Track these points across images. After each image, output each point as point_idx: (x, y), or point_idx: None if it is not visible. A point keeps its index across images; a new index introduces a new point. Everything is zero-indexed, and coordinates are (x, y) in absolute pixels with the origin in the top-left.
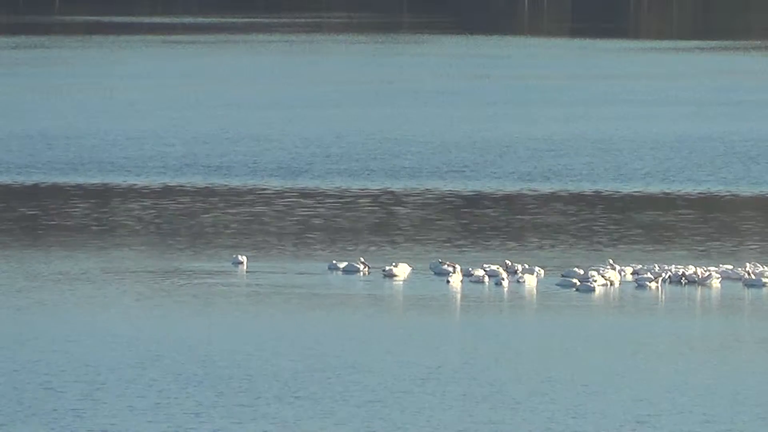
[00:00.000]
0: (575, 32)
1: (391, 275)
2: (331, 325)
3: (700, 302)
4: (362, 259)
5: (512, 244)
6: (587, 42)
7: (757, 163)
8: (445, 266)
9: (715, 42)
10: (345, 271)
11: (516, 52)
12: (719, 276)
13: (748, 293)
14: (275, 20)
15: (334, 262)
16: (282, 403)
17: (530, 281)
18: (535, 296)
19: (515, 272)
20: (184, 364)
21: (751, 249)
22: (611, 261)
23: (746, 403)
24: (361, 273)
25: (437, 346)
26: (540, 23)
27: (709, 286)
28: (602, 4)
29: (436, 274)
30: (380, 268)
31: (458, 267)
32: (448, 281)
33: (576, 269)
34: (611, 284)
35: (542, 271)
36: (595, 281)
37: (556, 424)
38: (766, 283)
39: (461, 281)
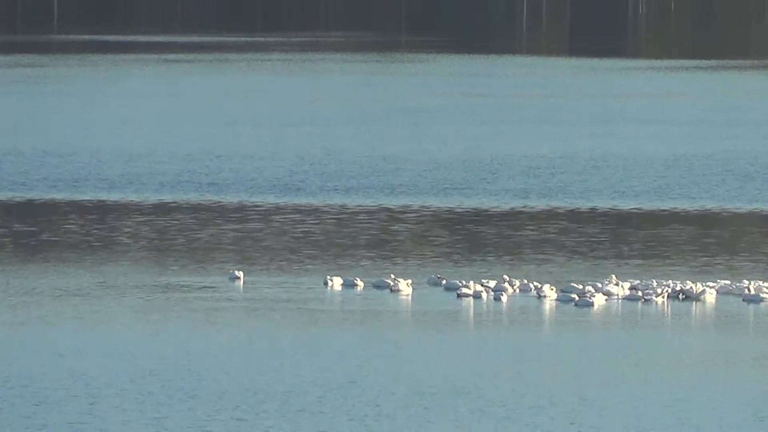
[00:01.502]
0: (573, 51)
1: (394, 290)
2: (329, 340)
3: (698, 317)
4: (393, 276)
5: (510, 259)
6: (585, 61)
7: (753, 180)
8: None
9: (713, 61)
10: (343, 285)
11: (514, 71)
12: (716, 291)
13: (747, 309)
14: (273, 39)
15: (328, 277)
16: (281, 418)
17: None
18: (534, 311)
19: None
20: (182, 378)
21: (748, 265)
22: (614, 276)
23: (747, 418)
24: (359, 288)
25: (437, 361)
26: (538, 42)
27: (707, 301)
28: (601, 23)
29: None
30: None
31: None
32: (458, 296)
33: (574, 284)
34: (610, 299)
35: (540, 286)
36: (594, 296)
37: None
38: (764, 298)
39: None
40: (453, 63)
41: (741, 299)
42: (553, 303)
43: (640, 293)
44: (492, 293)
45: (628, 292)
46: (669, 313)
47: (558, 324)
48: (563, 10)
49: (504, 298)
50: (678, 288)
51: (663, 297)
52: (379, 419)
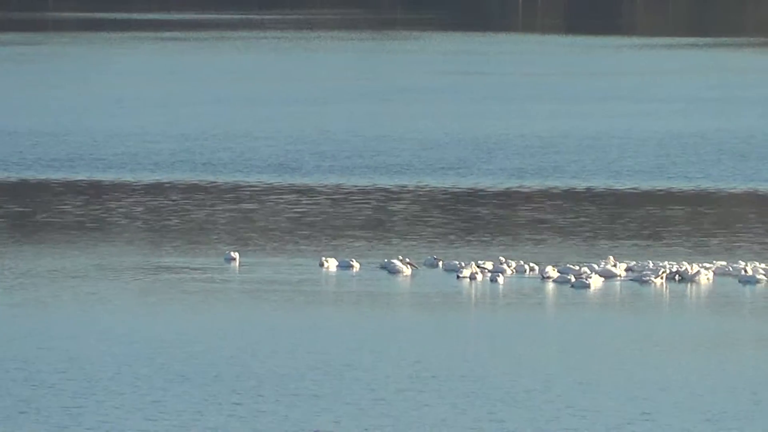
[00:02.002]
0: (569, 29)
1: (393, 271)
2: (326, 321)
3: (694, 299)
4: (401, 257)
5: (505, 240)
6: (581, 39)
7: (748, 159)
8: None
9: (709, 38)
10: (339, 266)
11: (509, 48)
12: (713, 272)
13: (743, 290)
14: (268, 17)
15: (323, 258)
16: (276, 401)
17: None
18: (530, 292)
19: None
20: (178, 360)
21: (745, 245)
22: (612, 258)
23: (743, 399)
24: (356, 268)
25: (434, 344)
26: (534, 20)
27: (702, 283)
28: (596, 1)
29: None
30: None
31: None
32: (458, 277)
33: (571, 265)
34: (607, 281)
35: (537, 267)
36: (591, 278)
37: (553, 420)
38: (760, 279)
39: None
40: (448, 41)
41: (737, 281)
42: (551, 284)
43: (637, 274)
44: (489, 274)
45: (624, 273)
46: (666, 295)
47: (555, 306)
48: None
49: (501, 279)
50: (675, 269)
51: (661, 278)
52: (375, 402)
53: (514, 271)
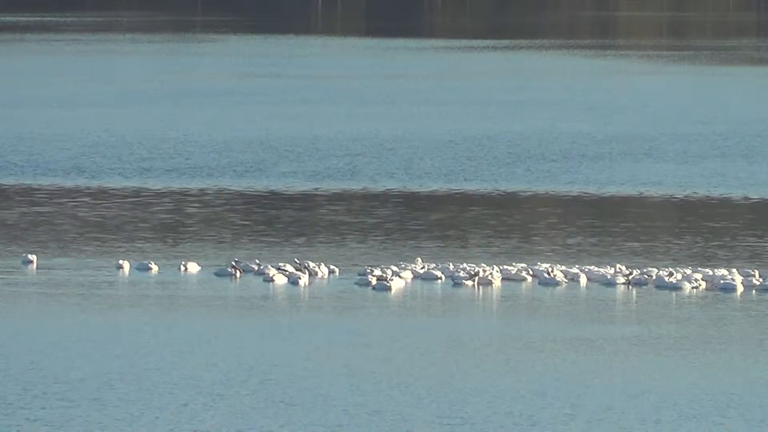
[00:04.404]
0: (369, 32)
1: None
2: (122, 324)
3: (490, 300)
4: (234, 262)
5: (304, 242)
6: (380, 41)
7: (546, 161)
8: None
9: (507, 41)
10: (136, 269)
11: (308, 51)
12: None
13: (543, 292)
14: (67, 19)
15: (120, 261)
16: (73, 402)
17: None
18: (332, 295)
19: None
20: None
21: (543, 247)
22: (419, 260)
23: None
24: (155, 271)
25: (235, 347)
26: (334, 23)
27: (495, 285)
28: (396, 4)
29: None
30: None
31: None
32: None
33: (371, 268)
34: (408, 283)
35: (337, 270)
36: (392, 280)
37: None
38: (560, 282)
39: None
40: (247, 43)
41: (538, 282)
42: (353, 286)
43: (441, 275)
44: (289, 277)
45: (423, 274)
46: (457, 297)
47: (357, 308)
48: None
49: (301, 282)
50: (475, 272)
51: (454, 280)
52: (182, 405)
53: (316, 273)
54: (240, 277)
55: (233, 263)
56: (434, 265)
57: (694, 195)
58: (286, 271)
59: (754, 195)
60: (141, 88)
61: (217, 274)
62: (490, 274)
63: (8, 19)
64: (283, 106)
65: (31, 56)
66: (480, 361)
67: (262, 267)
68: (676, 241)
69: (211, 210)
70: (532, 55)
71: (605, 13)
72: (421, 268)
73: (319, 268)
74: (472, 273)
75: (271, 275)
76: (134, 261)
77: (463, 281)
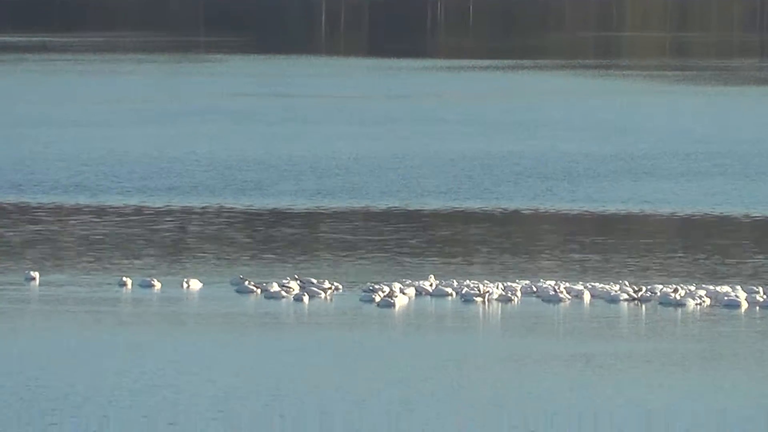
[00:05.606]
0: (371, 51)
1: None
2: (125, 340)
3: (483, 318)
4: (241, 276)
5: (308, 259)
6: (383, 61)
7: (547, 180)
8: (247, 283)
9: (509, 61)
10: (139, 285)
11: (311, 71)
12: (520, 292)
13: (550, 309)
14: (69, 39)
15: (123, 278)
16: (71, 420)
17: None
18: (336, 312)
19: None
20: None
21: (546, 265)
22: (432, 277)
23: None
24: (157, 288)
25: (238, 364)
26: (337, 43)
27: (498, 302)
28: (400, 25)
29: (237, 291)
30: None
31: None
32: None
33: (375, 285)
34: (413, 299)
35: (340, 287)
36: (396, 297)
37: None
38: (563, 298)
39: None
40: (250, 63)
41: (541, 300)
42: (356, 303)
43: (439, 292)
44: (294, 294)
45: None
46: (466, 314)
47: (359, 325)
48: (362, 15)
49: (305, 299)
50: (477, 289)
51: (461, 297)
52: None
53: (322, 290)
54: (260, 292)
55: (246, 279)
56: (439, 282)
57: (697, 213)
58: (291, 288)
59: (757, 213)
60: (143, 107)
61: (238, 291)
62: (496, 291)
63: (9, 39)
64: (284, 125)
65: (33, 76)
66: (484, 378)
67: (266, 284)
68: (680, 258)
69: (214, 228)
70: (535, 75)
71: (608, 34)
72: (430, 285)
73: (322, 284)
74: (479, 291)
75: (276, 290)
76: (137, 278)
77: (474, 298)
